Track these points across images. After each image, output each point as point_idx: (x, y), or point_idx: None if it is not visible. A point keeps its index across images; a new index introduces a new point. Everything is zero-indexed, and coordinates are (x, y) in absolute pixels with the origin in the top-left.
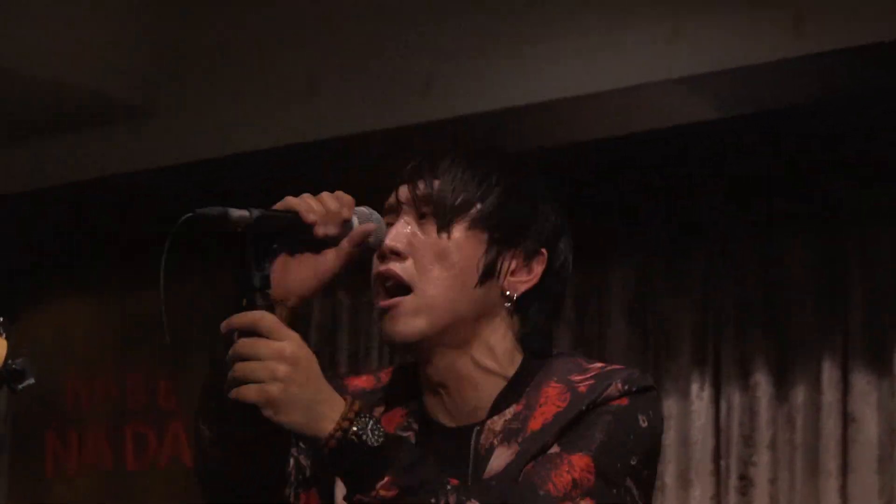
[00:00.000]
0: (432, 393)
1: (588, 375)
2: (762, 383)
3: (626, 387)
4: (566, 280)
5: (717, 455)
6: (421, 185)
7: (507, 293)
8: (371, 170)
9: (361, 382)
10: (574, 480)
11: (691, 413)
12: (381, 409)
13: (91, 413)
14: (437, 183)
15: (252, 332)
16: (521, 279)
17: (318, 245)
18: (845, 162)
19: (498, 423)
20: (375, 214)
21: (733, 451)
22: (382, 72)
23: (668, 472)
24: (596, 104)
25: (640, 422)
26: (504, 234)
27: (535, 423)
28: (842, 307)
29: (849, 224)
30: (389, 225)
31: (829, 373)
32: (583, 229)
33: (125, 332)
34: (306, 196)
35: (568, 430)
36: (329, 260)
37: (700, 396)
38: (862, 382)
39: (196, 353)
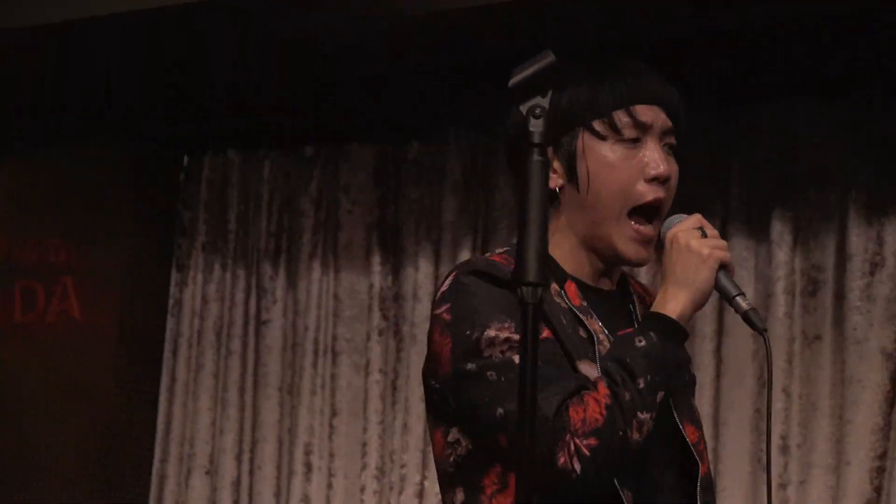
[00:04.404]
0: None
1: None
2: None
3: None
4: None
5: None
6: (671, 116)
7: None
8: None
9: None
10: None
11: None
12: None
13: None
14: (680, 115)
15: None
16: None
17: None
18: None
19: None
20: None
21: None
22: None
23: None
24: None
25: None
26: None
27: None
28: (724, 178)
29: (732, 99)
30: (630, 141)
31: None
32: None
33: (18, 192)
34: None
35: None
36: None
37: None
38: (740, 248)
39: (87, 213)
